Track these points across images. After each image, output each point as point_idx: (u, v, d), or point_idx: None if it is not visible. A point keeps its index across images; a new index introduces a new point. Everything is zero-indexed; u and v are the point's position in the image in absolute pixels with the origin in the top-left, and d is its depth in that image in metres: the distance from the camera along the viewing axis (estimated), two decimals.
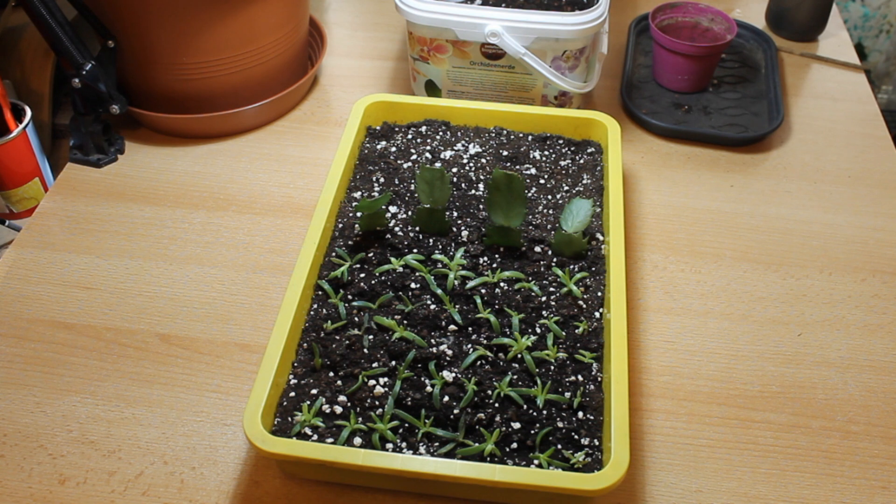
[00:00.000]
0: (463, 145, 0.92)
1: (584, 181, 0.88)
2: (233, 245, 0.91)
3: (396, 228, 0.82)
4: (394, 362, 0.71)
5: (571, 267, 0.79)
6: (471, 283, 0.76)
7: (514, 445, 0.66)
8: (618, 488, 0.62)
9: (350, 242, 0.81)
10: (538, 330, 0.73)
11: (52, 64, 1.04)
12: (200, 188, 0.98)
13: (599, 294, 0.77)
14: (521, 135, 0.94)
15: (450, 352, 0.71)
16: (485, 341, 0.72)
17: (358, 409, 0.68)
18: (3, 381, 0.78)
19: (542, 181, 0.88)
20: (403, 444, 0.66)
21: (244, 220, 0.94)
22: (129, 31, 0.97)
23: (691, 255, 0.91)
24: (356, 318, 0.74)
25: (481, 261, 0.79)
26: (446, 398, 0.68)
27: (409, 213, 0.84)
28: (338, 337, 0.73)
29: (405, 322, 0.74)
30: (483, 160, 0.90)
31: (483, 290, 0.76)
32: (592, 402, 0.69)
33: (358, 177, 0.89)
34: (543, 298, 0.75)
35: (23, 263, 0.89)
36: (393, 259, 0.78)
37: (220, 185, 0.99)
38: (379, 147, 0.92)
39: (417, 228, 0.82)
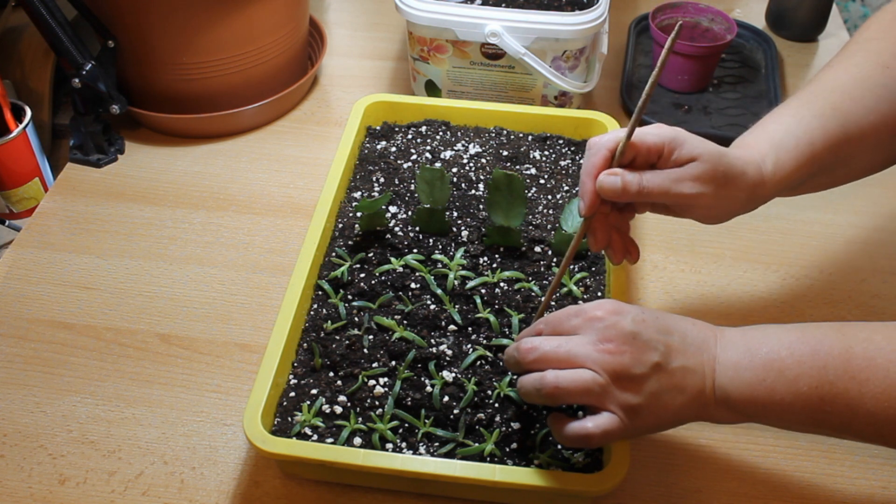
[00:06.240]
0: (463, 145, 0.92)
1: None
2: (233, 245, 0.91)
3: (396, 228, 0.82)
4: (394, 362, 0.71)
5: (571, 267, 0.79)
6: (471, 283, 0.76)
7: (514, 445, 0.66)
8: (618, 488, 0.62)
9: (350, 242, 0.81)
10: None
11: (52, 64, 1.04)
12: (200, 188, 0.98)
13: (599, 294, 0.77)
14: (521, 135, 0.94)
15: (450, 352, 0.71)
16: (484, 341, 0.72)
17: (358, 409, 0.68)
18: (3, 381, 0.78)
19: (542, 181, 0.88)
20: (403, 444, 0.66)
21: (244, 220, 0.94)
22: (129, 31, 0.97)
23: (691, 255, 0.90)
24: (356, 318, 0.74)
25: (481, 261, 0.79)
26: (446, 398, 0.68)
27: (409, 213, 0.84)
28: (338, 337, 0.73)
29: (405, 322, 0.74)
30: (483, 160, 0.90)
31: (483, 290, 0.76)
32: None
33: (358, 177, 0.89)
34: (543, 299, 0.75)
35: (23, 263, 0.89)
36: (393, 259, 0.78)
37: (220, 185, 0.99)
38: (379, 147, 0.92)
39: (417, 228, 0.82)
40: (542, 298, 0.71)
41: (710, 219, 0.69)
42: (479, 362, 0.71)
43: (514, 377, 0.69)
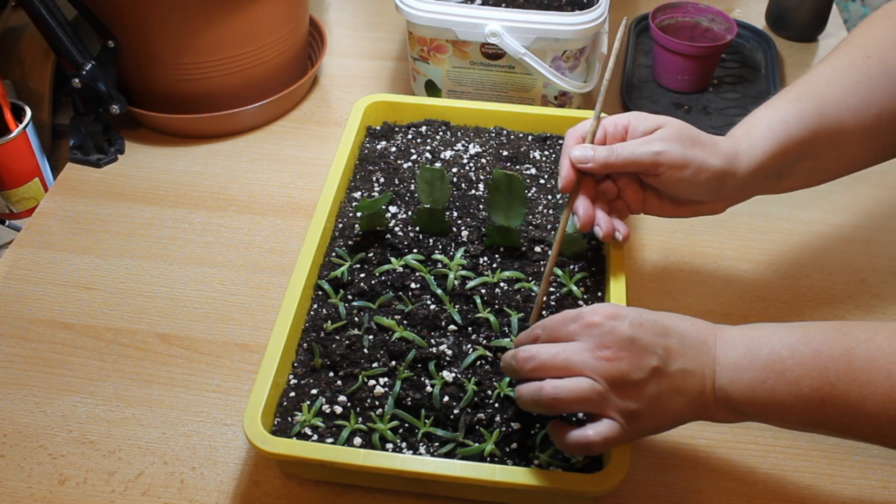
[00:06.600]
0: (463, 145, 0.92)
1: None
2: (233, 245, 0.91)
3: (396, 228, 0.82)
4: (394, 362, 0.71)
5: (571, 267, 0.79)
6: (471, 283, 0.76)
7: (514, 445, 0.66)
8: (618, 488, 0.62)
9: (350, 242, 0.81)
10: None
11: (52, 64, 1.04)
12: (200, 188, 0.98)
13: (599, 294, 0.77)
14: (521, 135, 0.94)
15: (450, 352, 0.71)
16: (484, 341, 0.72)
17: (358, 409, 0.68)
18: (3, 381, 0.78)
19: (542, 181, 0.88)
20: (403, 444, 0.66)
21: (244, 220, 0.94)
22: (129, 31, 0.97)
23: (691, 255, 0.90)
24: (356, 318, 0.74)
25: (481, 261, 0.79)
26: (446, 398, 0.68)
27: (409, 213, 0.84)
28: (338, 337, 0.73)
29: (405, 322, 0.74)
30: (483, 160, 0.90)
31: (483, 290, 0.76)
32: None
33: (358, 177, 0.89)
34: (543, 298, 0.75)
35: (23, 263, 0.89)
36: (393, 259, 0.78)
37: (220, 185, 0.99)
38: (379, 147, 0.92)
39: (417, 228, 0.82)
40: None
41: (688, 185, 0.70)
42: (479, 362, 0.71)
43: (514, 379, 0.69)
